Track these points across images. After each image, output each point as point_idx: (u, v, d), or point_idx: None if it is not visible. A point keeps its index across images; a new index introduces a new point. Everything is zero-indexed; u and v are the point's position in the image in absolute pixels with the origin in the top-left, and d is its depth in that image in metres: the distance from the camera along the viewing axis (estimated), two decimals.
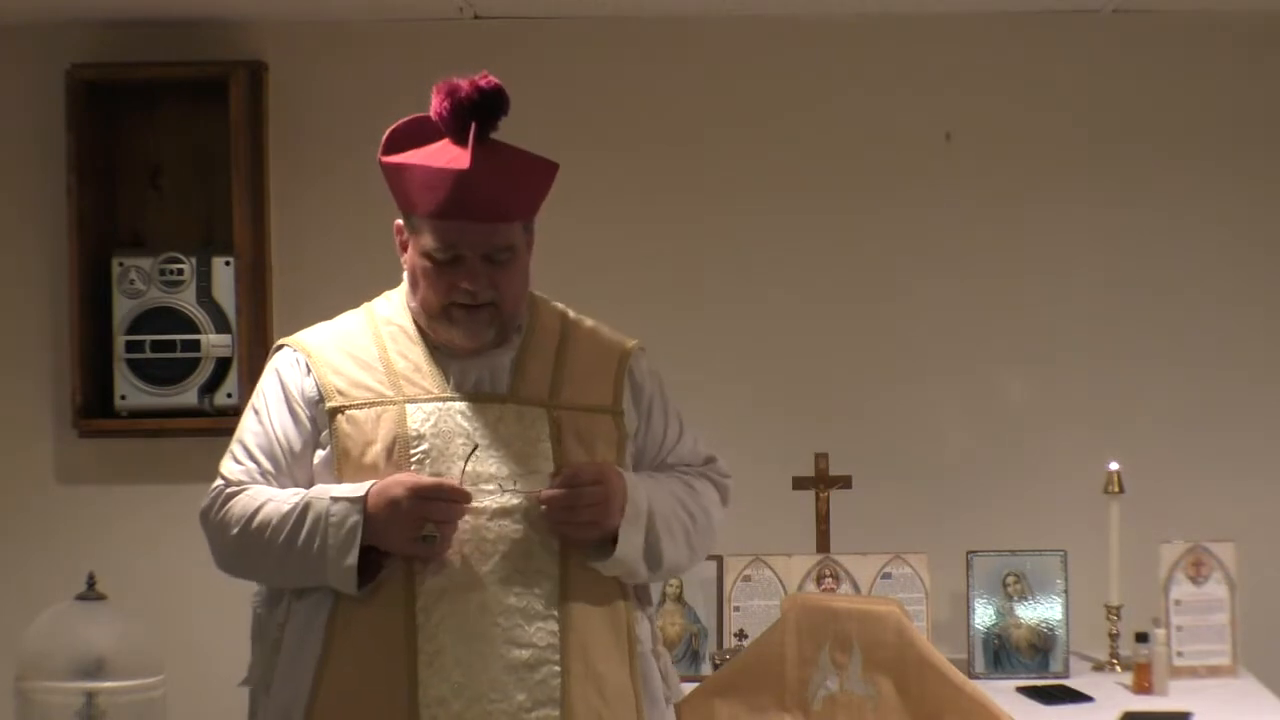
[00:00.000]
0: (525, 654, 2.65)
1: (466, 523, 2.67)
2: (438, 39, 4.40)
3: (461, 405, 2.74)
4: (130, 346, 4.34)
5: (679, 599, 4.04)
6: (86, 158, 4.37)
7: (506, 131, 3.40)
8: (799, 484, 4.12)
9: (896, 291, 4.43)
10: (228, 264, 4.35)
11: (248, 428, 2.83)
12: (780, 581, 4.02)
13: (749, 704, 3.47)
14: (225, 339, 4.34)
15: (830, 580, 4.03)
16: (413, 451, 2.70)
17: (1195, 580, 4.05)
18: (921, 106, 4.42)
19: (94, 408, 4.38)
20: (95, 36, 4.41)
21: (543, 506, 2.67)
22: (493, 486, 2.69)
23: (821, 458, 4.13)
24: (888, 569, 4.04)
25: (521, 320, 2.83)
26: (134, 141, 4.46)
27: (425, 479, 2.66)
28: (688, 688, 3.59)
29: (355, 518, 2.65)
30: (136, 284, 4.36)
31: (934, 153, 4.42)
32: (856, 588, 4.02)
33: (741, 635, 3.98)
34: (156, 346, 4.34)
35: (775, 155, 4.43)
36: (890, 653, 3.47)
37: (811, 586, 4.01)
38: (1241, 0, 4.30)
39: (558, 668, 2.66)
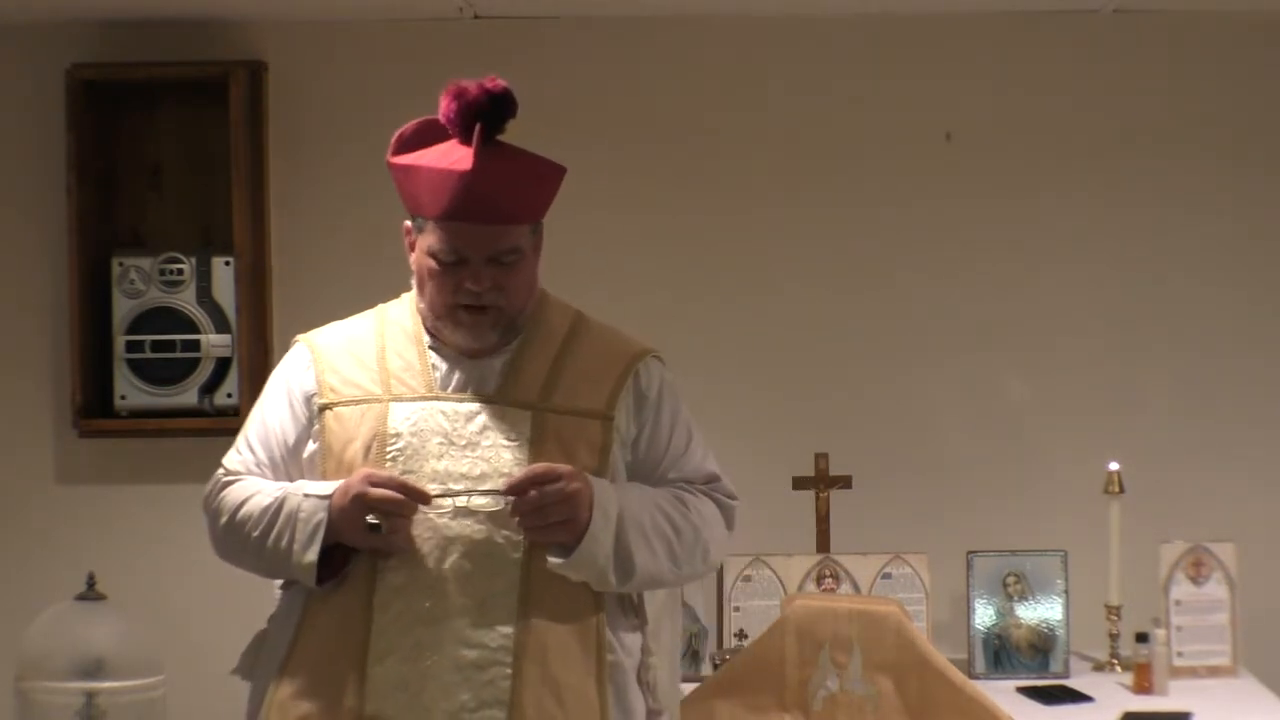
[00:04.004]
0: (474, 654, 2.64)
1: (429, 521, 2.67)
2: (438, 39, 4.40)
3: (445, 405, 2.75)
4: (130, 346, 4.34)
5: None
6: (86, 158, 4.37)
7: (507, 131, 3.40)
8: (799, 484, 4.11)
9: (896, 291, 4.43)
10: (228, 264, 4.35)
11: (252, 420, 2.89)
12: (780, 581, 4.02)
13: (749, 704, 3.47)
14: (225, 339, 4.34)
15: (830, 580, 4.03)
16: (388, 449, 2.72)
17: (1195, 580, 4.05)
18: (921, 106, 4.42)
19: (94, 408, 4.38)
20: (95, 36, 4.41)
21: (507, 502, 2.65)
22: (461, 486, 2.69)
23: (821, 458, 4.12)
24: (888, 569, 4.04)
25: (522, 321, 2.83)
26: (134, 141, 4.46)
27: (383, 471, 2.68)
28: (688, 688, 3.60)
29: (321, 515, 2.68)
30: (136, 284, 4.36)
31: (934, 152, 4.42)
32: (856, 588, 4.01)
33: (741, 635, 3.97)
34: (156, 346, 4.34)
35: (776, 155, 4.43)
36: (890, 653, 3.47)
37: (811, 586, 4.01)
38: (1242, 0, 4.30)
39: (508, 669, 2.64)
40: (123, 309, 4.35)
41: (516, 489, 2.64)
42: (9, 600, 4.34)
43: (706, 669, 3.93)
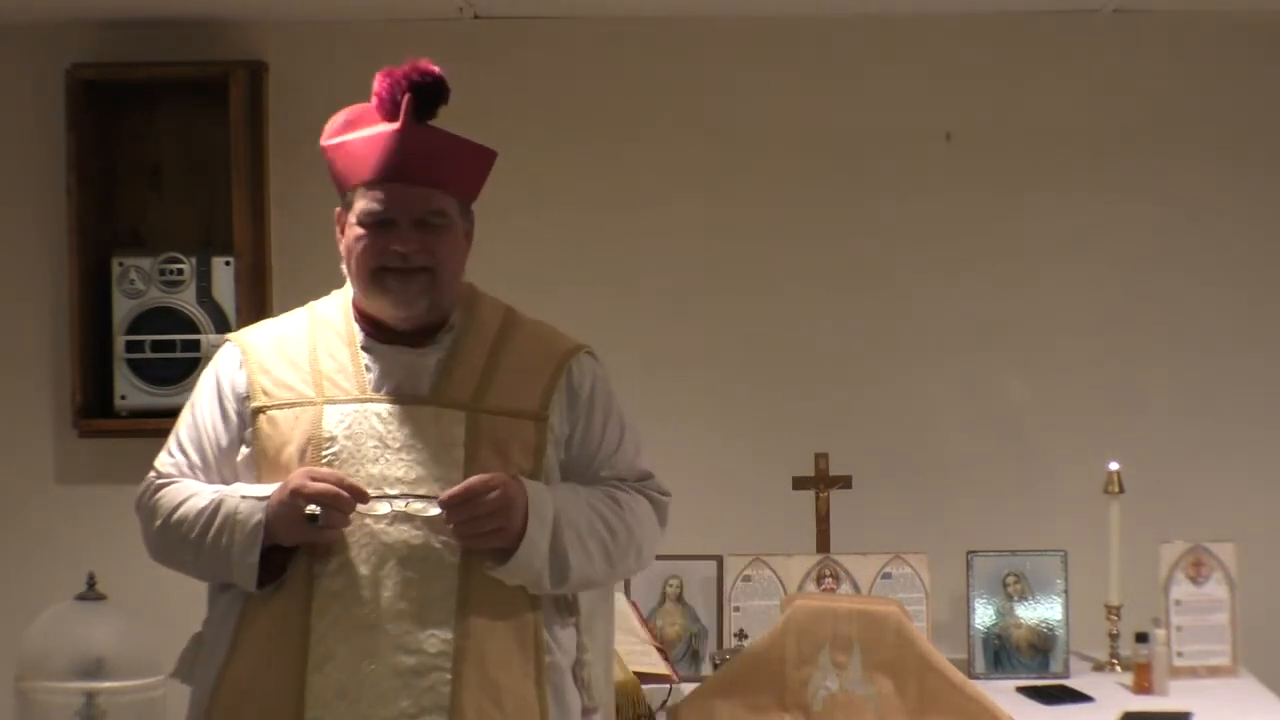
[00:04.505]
0: (413, 660, 2.64)
1: (366, 526, 2.67)
2: (438, 39, 4.40)
3: (379, 407, 2.74)
4: (130, 346, 4.35)
5: (679, 599, 4.04)
6: (86, 158, 4.37)
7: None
8: (799, 484, 4.11)
9: (897, 291, 4.43)
10: (228, 264, 4.35)
11: (183, 421, 2.89)
12: (780, 581, 4.02)
13: (749, 704, 3.47)
14: (225, 339, 4.34)
15: (830, 580, 4.03)
16: (324, 453, 2.72)
17: (1195, 580, 4.05)
18: (921, 106, 4.42)
19: (94, 408, 4.38)
20: (95, 36, 4.41)
21: (439, 513, 2.66)
22: (397, 490, 2.69)
23: (821, 458, 4.12)
24: (888, 569, 4.04)
25: (454, 319, 2.82)
26: (134, 141, 4.46)
27: (323, 469, 2.68)
28: (688, 688, 3.61)
29: (259, 516, 2.68)
30: (136, 284, 4.36)
31: (934, 153, 4.42)
32: (856, 588, 4.01)
33: (741, 635, 3.97)
34: (156, 346, 4.34)
35: (776, 155, 4.43)
36: (890, 653, 3.47)
37: (811, 586, 4.01)
38: (1242, 0, 4.30)
39: (448, 675, 2.64)
40: (123, 309, 4.36)
41: (450, 503, 2.65)
42: (9, 600, 4.34)
43: (706, 669, 3.93)
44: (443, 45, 4.38)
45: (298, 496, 2.64)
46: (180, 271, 4.36)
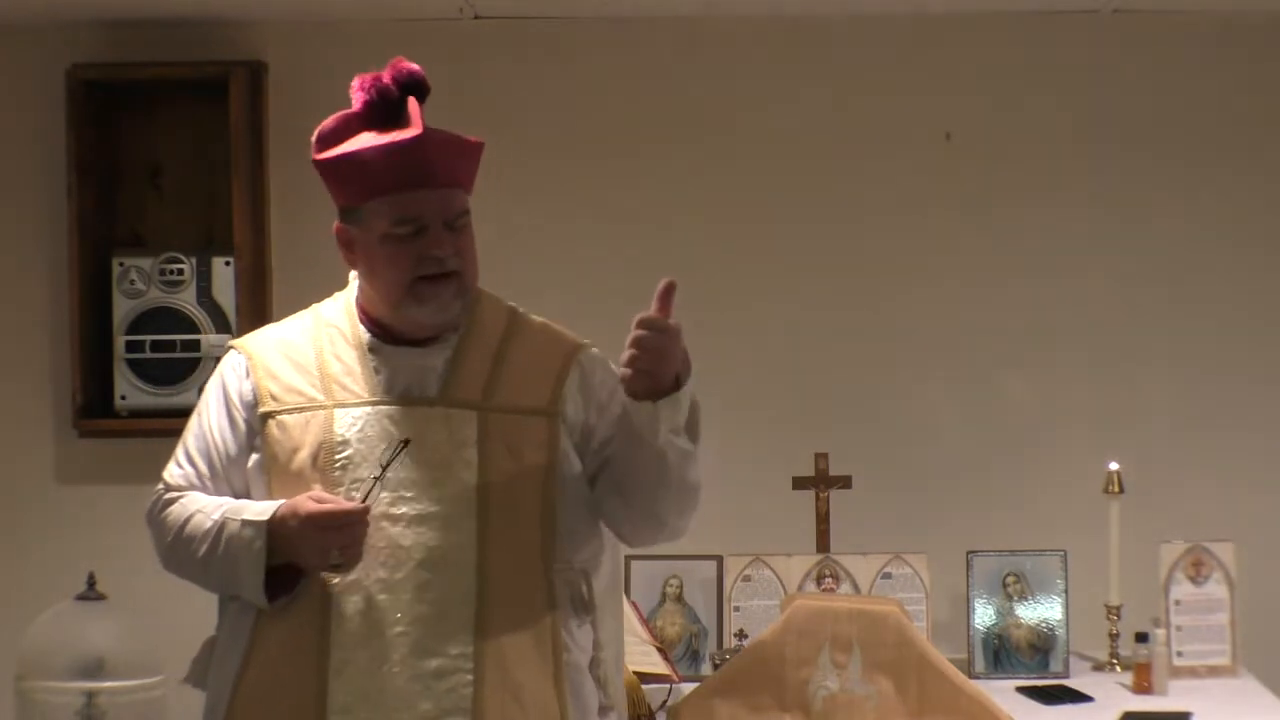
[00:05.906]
0: (434, 663, 2.63)
1: (384, 530, 2.66)
2: (438, 39, 4.40)
3: (390, 409, 2.73)
4: (130, 346, 4.35)
5: (679, 599, 4.04)
6: (86, 158, 4.37)
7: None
8: (799, 484, 4.12)
9: (897, 292, 4.43)
10: (228, 264, 4.35)
11: (191, 430, 2.86)
12: (780, 581, 4.02)
13: (749, 704, 3.47)
14: (225, 339, 4.34)
15: (830, 580, 4.03)
16: (336, 457, 2.70)
17: (1195, 580, 4.05)
18: (921, 106, 4.42)
19: (94, 408, 4.38)
20: (95, 36, 4.41)
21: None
22: (411, 493, 2.68)
23: (821, 458, 4.12)
24: (888, 569, 4.04)
25: (460, 317, 2.81)
26: (134, 141, 4.47)
27: (318, 509, 2.64)
28: (688, 688, 3.61)
29: (260, 542, 2.66)
30: (136, 284, 4.36)
31: (934, 153, 4.42)
32: (856, 588, 4.01)
33: (741, 635, 3.97)
34: (156, 346, 4.35)
35: (776, 156, 4.43)
36: (890, 653, 3.47)
37: (811, 586, 4.01)
38: (1241, 0, 4.30)
39: (469, 676, 2.63)
40: (123, 309, 4.36)
41: (656, 324, 2.57)
42: (9, 600, 4.34)
43: (706, 669, 3.93)
44: (443, 45, 4.39)
45: (318, 545, 2.62)
46: (180, 271, 4.37)
